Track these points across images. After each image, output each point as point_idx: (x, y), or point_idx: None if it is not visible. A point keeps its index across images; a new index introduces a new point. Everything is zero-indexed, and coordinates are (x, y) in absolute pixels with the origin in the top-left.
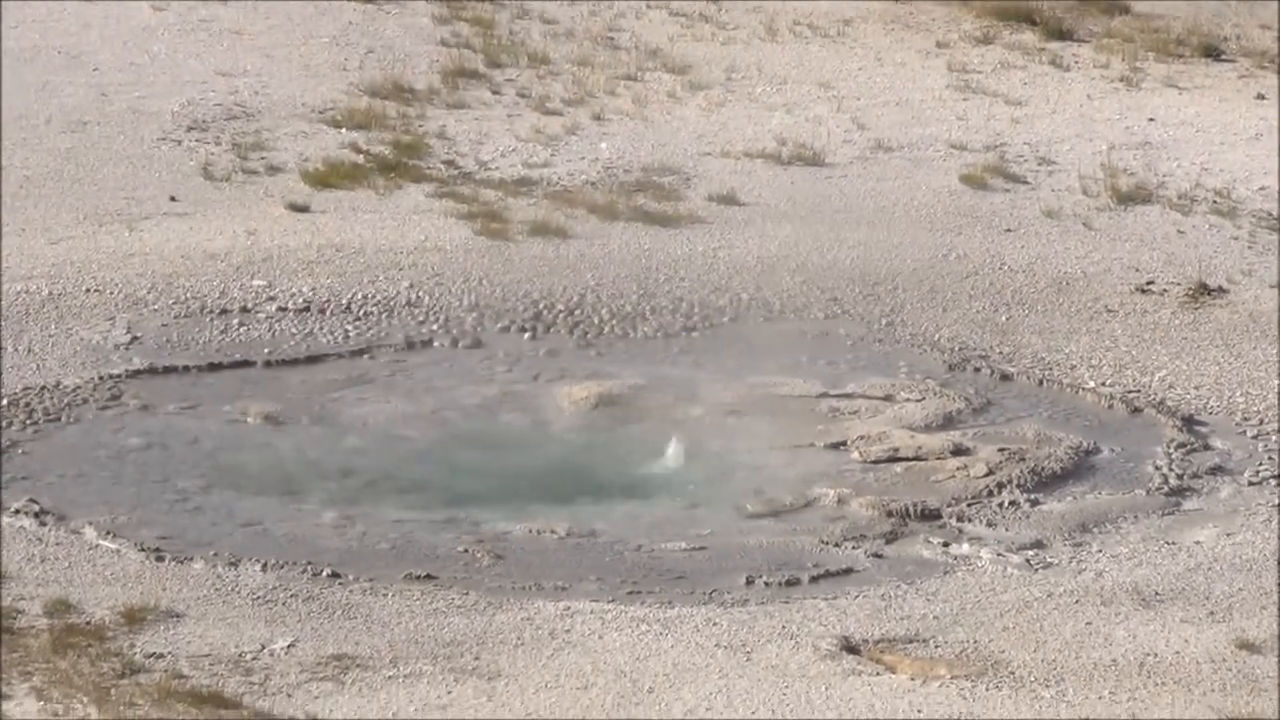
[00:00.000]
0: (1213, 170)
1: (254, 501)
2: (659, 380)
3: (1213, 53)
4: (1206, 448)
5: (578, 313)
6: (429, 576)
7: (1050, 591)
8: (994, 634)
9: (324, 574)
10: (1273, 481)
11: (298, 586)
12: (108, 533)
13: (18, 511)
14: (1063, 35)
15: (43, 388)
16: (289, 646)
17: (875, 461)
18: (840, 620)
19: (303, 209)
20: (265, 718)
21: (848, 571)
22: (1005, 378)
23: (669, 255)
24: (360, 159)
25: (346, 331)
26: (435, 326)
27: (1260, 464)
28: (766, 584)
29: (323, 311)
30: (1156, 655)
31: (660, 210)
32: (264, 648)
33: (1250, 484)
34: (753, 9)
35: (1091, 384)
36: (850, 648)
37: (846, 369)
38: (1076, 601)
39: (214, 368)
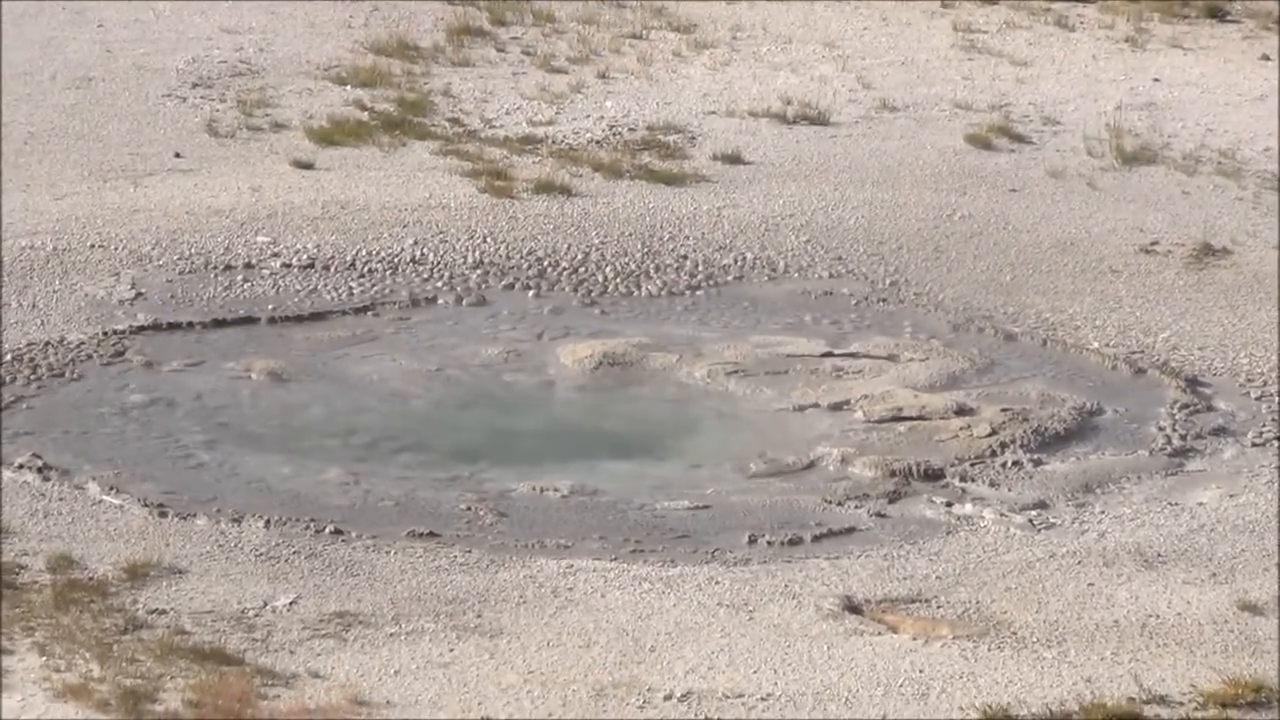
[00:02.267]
0: (1217, 131)
1: (257, 458)
2: (663, 339)
3: (1218, 13)
4: (1210, 409)
5: (582, 271)
6: (432, 534)
7: (1053, 552)
8: (996, 594)
9: (327, 531)
10: (1276, 443)
11: (300, 543)
12: (111, 488)
13: (21, 466)
14: None
15: (47, 343)
16: (291, 603)
17: (879, 421)
18: (843, 580)
19: (307, 166)
20: (267, 674)
21: (850, 531)
22: (1009, 338)
23: (673, 214)
24: (365, 116)
25: (351, 288)
26: (440, 284)
27: (1264, 425)
28: (769, 543)
29: (327, 268)
30: (1158, 616)
31: (665, 169)
32: (266, 604)
33: (1254, 445)
34: None
35: (1095, 344)
36: (852, 607)
37: (850, 328)
38: (1079, 562)
39: (218, 324)
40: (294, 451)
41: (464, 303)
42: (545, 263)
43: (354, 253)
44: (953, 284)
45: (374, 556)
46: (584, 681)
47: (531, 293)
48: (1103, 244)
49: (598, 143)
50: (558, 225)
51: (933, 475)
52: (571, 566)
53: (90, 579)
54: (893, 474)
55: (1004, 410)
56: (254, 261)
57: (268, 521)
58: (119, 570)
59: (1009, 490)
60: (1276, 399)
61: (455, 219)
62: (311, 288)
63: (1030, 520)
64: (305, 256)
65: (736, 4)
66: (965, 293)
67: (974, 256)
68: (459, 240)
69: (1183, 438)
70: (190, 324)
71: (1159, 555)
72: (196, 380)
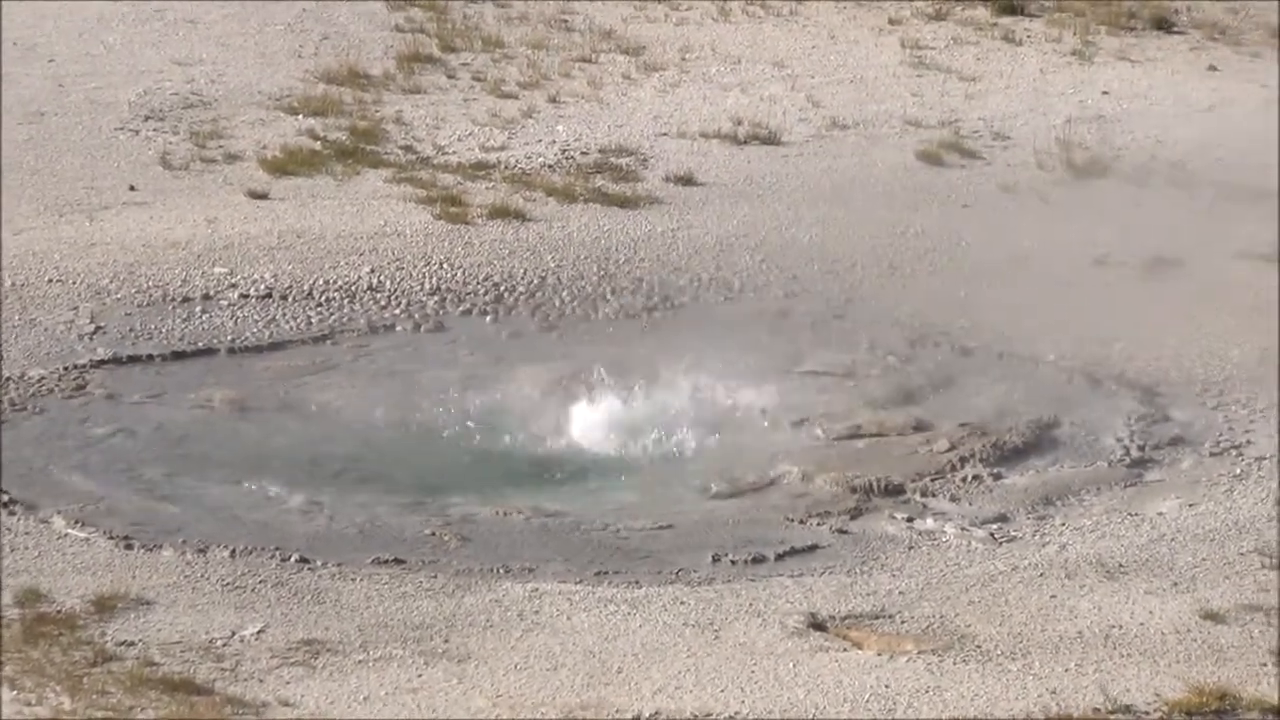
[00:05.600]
0: (1167, 143)
1: (221, 488)
2: (620, 361)
3: (1164, 25)
4: (1167, 419)
5: (539, 295)
6: (397, 560)
7: (1014, 565)
8: (959, 608)
9: (292, 559)
10: (1233, 452)
11: (266, 572)
12: (77, 521)
13: None
14: (1014, 10)
15: (8, 379)
16: (259, 632)
17: (838, 438)
18: (807, 597)
19: (262, 196)
20: (237, 703)
21: (813, 548)
22: (965, 353)
23: (628, 236)
24: (318, 145)
25: (309, 317)
26: (397, 311)
27: (1220, 434)
28: (733, 562)
29: (285, 298)
30: (1121, 627)
31: (618, 192)
32: (234, 634)
33: (1211, 454)
34: None
35: (1051, 357)
36: (817, 624)
37: (807, 347)
38: (1041, 574)
39: (178, 356)
40: (257, 481)
41: (422, 329)
42: (502, 288)
43: (311, 282)
44: (908, 300)
45: (340, 584)
46: (552, 704)
47: (489, 318)
48: (1056, 257)
49: (550, 167)
50: (513, 250)
51: (893, 491)
52: (537, 590)
53: (59, 612)
54: (853, 490)
55: (962, 425)
56: (212, 293)
57: (233, 551)
58: (87, 603)
59: (969, 505)
60: (1233, 407)
61: (411, 246)
62: (270, 317)
63: (991, 534)
64: (263, 287)
65: (685, 26)
66: (920, 308)
67: (928, 272)
68: (415, 267)
69: (1140, 448)
70: (150, 356)
71: (1120, 566)
72: (158, 412)
